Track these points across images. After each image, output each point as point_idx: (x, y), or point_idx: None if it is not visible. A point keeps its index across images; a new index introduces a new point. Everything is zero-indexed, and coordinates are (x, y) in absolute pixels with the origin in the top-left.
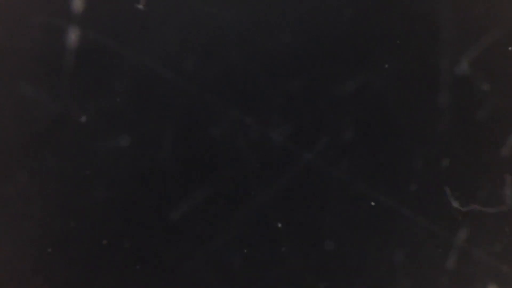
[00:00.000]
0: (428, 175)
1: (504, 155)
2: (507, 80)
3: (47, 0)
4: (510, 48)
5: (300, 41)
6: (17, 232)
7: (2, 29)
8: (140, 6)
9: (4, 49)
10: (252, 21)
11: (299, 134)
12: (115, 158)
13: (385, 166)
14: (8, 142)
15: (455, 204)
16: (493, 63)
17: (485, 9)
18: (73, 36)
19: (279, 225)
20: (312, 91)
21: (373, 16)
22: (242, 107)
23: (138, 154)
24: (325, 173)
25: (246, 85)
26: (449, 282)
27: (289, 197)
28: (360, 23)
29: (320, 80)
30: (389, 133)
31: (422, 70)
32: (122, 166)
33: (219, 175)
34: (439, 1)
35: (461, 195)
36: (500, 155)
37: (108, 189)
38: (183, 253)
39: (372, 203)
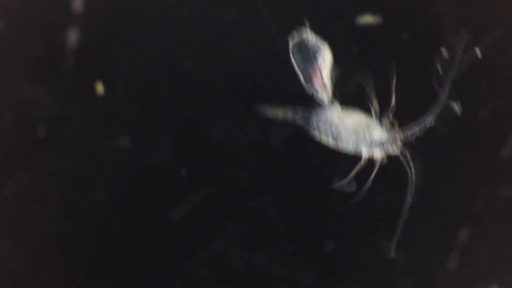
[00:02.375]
0: (428, 176)
1: (505, 156)
2: (507, 80)
3: (47, 0)
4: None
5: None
6: (17, 232)
7: (2, 29)
8: None
9: (4, 49)
10: (252, 21)
11: (299, 134)
12: (115, 158)
13: (385, 166)
14: (8, 142)
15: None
16: (493, 63)
17: (485, 9)
18: (73, 36)
19: (279, 225)
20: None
21: (373, 16)
22: (242, 107)
23: (138, 154)
24: (324, 173)
25: (246, 85)
26: (450, 282)
27: (289, 197)
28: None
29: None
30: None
31: (422, 70)
32: (122, 166)
33: (219, 175)
34: (440, 1)
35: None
36: (501, 155)
37: (108, 189)
38: (183, 253)
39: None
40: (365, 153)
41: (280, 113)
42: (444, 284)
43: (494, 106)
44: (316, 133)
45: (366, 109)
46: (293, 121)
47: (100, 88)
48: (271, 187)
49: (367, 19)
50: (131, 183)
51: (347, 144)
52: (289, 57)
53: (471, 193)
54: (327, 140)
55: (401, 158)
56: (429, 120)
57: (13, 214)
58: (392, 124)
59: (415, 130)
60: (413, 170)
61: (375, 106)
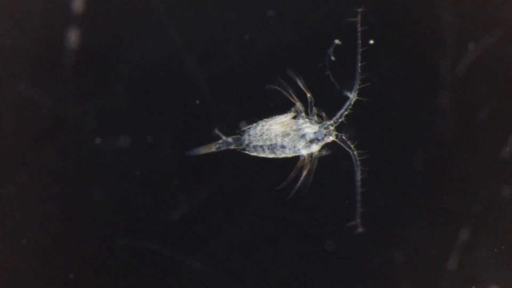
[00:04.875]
0: (429, 175)
1: (505, 156)
2: (507, 80)
3: (47, 0)
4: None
5: (300, 41)
6: (17, 232)
7: (2, 29)
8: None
9: (4, 49)
10: (252, 21)
11: None
12: (115, 158)
13: (385, 166)
14: (8, 142)
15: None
16: (493, 63)
17: (485, 9)
18: (73, 36)
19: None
20: (312, 91)
21: (373, 16)
22: (242, 107)
23: (138, 154)
24: (325, 173)
25: (246, 85)
26: (450, 282)
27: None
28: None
29: (320, 80)
30: (389, 133)
31: (422, 70)
32: (122, 166)
33: (219, 175)
34: (440, 1)
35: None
36: (501, 156)
37: (108, 189)
38: (183, 253)
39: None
40: (304, 153)
41: (212, 146)
42: (444, 284)
43: (494, 106)
44: (251, 149)
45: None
46: (227, 147)
47: None
48: (271, 187)
49: None
50: (131, 183)
51: (284, 150)
52: (289, 57)
53: (471, 193)
54: (264, 152)
55: (339, 142)
56: (352, 98)
57: (13, 214)
58: (319, 116)
59: (342, 110)
60: (354, 149)
61: (298, 105)
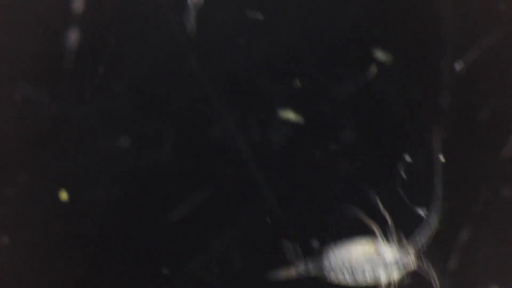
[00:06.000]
0: (428, 175)
1: (505, 156)
2: (507, 80)
3: (47, 0)
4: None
5: (300, 41)
6: (17, 233)
7: (2, 29)
8: None
9: (4, 49)
10: (252, 21)
11: (299, 134)
12: (115, 158)
13: (385, 166)
14: (8, 142)
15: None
16: (493, 63)
17: (485, 9)
18: (73, 36)
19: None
20: (312, 91)
21: (373, 16)
22: (242, 107)
23: (138, 154)
24: (325, 173)
25: (246, 85)
26: (450, 282)
27: (289, 197)
28: (360, 23)
29: (320, 80)
30: (389, 133)
31: (422, 70)
32: (122, 166)
33: (219, 175)
34: (439, 1)
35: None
36: (501, 155)
37: (108, 189)
38: (183, 253)
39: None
40: (384, 278)
41: (293, 271)
42: (444, 284)
43: (494, 106)
44: (332, 275)
45: (368, 234)
46: (308, 274)
47: (64, 195)
48: (271, 187)
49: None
50: (131, 183)
51: (364, 275)
52: (289, 57)
53: (471, 193)
54: (344, 278)
55: (420, 271)
56: (433, 221)
57: (13, 214)
58: (399, 239)
59: (424, 236)
60: (436, 280)
61: (376, 228)
